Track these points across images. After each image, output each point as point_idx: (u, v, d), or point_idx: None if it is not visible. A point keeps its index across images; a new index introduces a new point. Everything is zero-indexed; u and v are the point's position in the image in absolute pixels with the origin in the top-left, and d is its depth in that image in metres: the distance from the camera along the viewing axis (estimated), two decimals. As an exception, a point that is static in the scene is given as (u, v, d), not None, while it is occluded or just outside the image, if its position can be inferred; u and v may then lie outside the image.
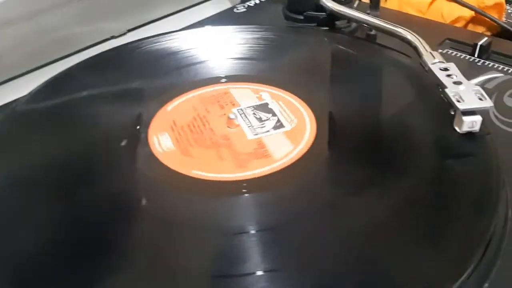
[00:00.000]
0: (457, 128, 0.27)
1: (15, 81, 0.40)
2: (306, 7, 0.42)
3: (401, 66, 0.35)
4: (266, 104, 0.31)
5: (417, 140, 0.29)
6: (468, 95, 0.27)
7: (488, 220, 0.23)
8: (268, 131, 0.29)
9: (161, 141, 0.28)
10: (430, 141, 0.29)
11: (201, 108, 0.31)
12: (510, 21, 0.45)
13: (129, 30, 0.45)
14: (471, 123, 0.27)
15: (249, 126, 0.29)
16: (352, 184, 0.26)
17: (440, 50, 0.40)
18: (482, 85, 0.34)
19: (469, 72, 0.36)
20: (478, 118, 0.27)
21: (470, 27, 0.45)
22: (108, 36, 0.44)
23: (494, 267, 0.22)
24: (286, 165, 0.26)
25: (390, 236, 0.22)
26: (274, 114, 0.30)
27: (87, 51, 0.43)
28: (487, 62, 0.38)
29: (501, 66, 0.37)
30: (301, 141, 0.28)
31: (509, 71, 0.37)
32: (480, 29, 0.45)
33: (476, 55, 0.38)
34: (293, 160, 0.27)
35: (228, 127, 0.29)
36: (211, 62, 0.36)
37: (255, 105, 0.31)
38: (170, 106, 0.32)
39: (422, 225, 0.23)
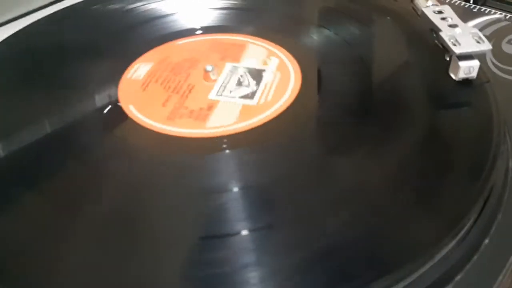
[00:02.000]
0: (452, 75, 0.25)
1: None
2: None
3: (388, 12, 0.32)
4: (263, 71, 0.28)
5: (409, 90, 0.26)
6: (464, 38, 0.25)
7: (487, 172, 0.21)
8: (233, 97, 0.26)
9: (139, 68, 0.28)
10: (424, 91, 0.26)
11: (204, 52, 0.29)
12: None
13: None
14: (467, 69, 0.25)
15: (221, 85, 0.27)
16: (341, 139, 0.23)
17: None
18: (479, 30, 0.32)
19: (464, 18, 0.33)
20: (475, 63, 0.25)
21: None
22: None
23: (495, 222, 0.20)
24: (206, 136, 0.23)
25: (383, 191, 0.20)
26: (257, 84, 0.27)
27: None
28: (483, 8, 0.35)
29: (498, 12, 0.35)
30: (250, 118, 0.24)
31: (507, 17, 0.34)
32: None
33: (471, 1, 0.36)
34: (211, 135, 0.24)
35: (204, 79, 0.27)
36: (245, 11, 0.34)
37: (251, 68, 0.28)
38: (183, 41, 0.31)
39: (418, 180, 0.21)
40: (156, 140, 0.23)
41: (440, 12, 0.27)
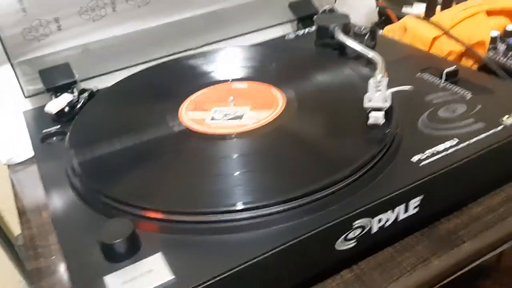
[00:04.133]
0: (368, 121, 0.40)
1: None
2: (325, 37, 0.56)
3: (356, 75, 0.48)
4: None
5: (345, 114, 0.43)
6: (377, 98, 0.40)
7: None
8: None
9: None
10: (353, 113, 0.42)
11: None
12: (496, 57, 0.53)
13: (204, 45, 0.64)
14: (374, 118, 0.39)
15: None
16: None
17: (419, 74, 0.51)
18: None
19: (429, 91, 0.47)
20: (379, 114, 0.39)
21: (463, 61, 0.55)
22: (186, 48, 0.63)
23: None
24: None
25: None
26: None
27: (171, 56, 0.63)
28: (449, 85, 0.48)
29: (458, 89, 0.47)
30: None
31: (463, 93, 0.46)
32: (470, 63, 0.54)
33: (443, 80, 0.49)
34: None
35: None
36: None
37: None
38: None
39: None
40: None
41: (379, 82, 0.42)
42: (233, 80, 0.51)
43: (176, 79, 0.53)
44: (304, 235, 0.32)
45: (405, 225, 0.37)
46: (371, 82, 0.42)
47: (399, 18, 0.77)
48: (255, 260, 0.31)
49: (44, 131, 0.49)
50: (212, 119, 0.44)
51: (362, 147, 0.38)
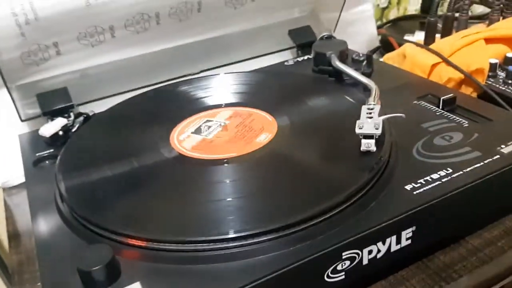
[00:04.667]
0: (361, 148, 0.39)
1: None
2: (322, 63, 0.56)
3: (350, 101, 0.48)
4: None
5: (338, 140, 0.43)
6: (369, 125, 0.39)
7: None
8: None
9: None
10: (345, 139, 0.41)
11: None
12: (495, 85, 0.52)
13: (202, 71, 0.64)
14: (367, 144, 0.38)
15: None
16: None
17: (416, 101, 0.50)
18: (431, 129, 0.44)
19: (425, 118, 0.46)
20: (371, 141, 0.38)
21: (463, 88, 0.54)
22: (185, 73, 0.63)
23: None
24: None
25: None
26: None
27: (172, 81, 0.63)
28: (446, 113, 0.47)
29: (454, 117, 0.46)
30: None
31: (460, 121, 0.45)
32: (469, 91, 0.53)
33: (440, 107, 0.48)
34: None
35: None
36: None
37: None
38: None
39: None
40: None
41: (371, 109, 0.41)
42: (226, 105, 0.51)
43: (168, 105, 0.53)
44: (290, 266, 0.31)
45: (398, 257, 0.36)
46: (364, 108, 0.41)
47: (401, 46, 0.77)
48: (240, 292, 0.30)
49: (37, 154, 0.49)
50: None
51: (353, 175, 0.37)
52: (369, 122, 0.39)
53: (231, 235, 0.32)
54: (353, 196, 0.35)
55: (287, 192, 0.37)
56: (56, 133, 0.50)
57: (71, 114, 0.55)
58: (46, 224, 0.39)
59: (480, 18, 0.80)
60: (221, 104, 0.51)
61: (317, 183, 0.38)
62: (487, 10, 0.72)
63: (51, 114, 0.54)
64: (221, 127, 0.46)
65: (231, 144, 0.43)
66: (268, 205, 0.36)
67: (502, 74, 0.51)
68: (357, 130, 0.39)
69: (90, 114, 0.54)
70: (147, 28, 0.61)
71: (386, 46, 0.76)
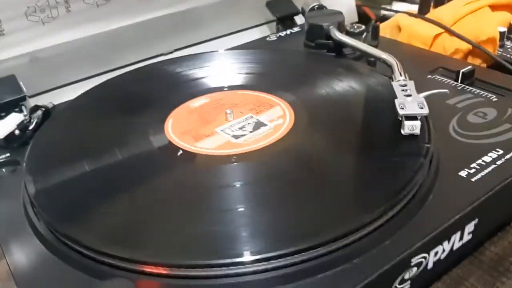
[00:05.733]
0: (402, 131, 0.34)
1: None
2: (318, 37, 0.50)
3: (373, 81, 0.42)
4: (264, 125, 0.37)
5: (375, 132, 0.36)
6: (411, 104, 0.34)
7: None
8: (227, 134, 0.36)
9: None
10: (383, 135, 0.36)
11: (243, 102, 0.41)
12: (506, 55, 0.49)
13: (176, 50, 0.56)
14: (411, 126, 0.33)
15: (229, 125, 0.38)
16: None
17: (429, 76, 0.45)
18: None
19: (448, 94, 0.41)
20: (417, 123, 0.33)
21: (469, 59, 0.50)
22: (158, 53, 0.55)
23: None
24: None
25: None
26: (251, 132, 0.37)
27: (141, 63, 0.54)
28: (467, 87, 0.43)
29: (478, 91, 0.42)
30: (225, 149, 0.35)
31: (487, 96, 0.41)
32: (477, 62, 0.49)
33: (459, 81, 0.44)
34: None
35: (224, 118, 0.38)
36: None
37: (259, 121, 0.38)
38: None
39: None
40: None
41: (404, 85, 0.36)
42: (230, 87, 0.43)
43: (153, 89, 0.44)
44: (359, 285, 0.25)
45: (456, 255, 0.31)
46: (396, 85, 0.36)
47: (377, 17, 0.73)
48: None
49: (-12, 161, 0.39)
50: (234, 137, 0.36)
51: (405, 164, 0.32)
52: (410, 100, 0.34)
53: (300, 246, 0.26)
54: (411, 190, 0.30)
55: (332, 196, 0.30)
56: (12, 133, 0.40)
57: (23, 108, 0.45)
58: (22, 250, 0.30)
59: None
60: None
61: (365, 184, 0.32)
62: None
63: (-2, 110, 0.44)
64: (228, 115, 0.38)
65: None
66: (308, 214, 0.29)
67: (508, 43, 0.48)
68: (400, 111, 0.33)
69: (50, 107, 0.44)
70: (108, 0, 0.51)
71: (361, 19, 0.71)
